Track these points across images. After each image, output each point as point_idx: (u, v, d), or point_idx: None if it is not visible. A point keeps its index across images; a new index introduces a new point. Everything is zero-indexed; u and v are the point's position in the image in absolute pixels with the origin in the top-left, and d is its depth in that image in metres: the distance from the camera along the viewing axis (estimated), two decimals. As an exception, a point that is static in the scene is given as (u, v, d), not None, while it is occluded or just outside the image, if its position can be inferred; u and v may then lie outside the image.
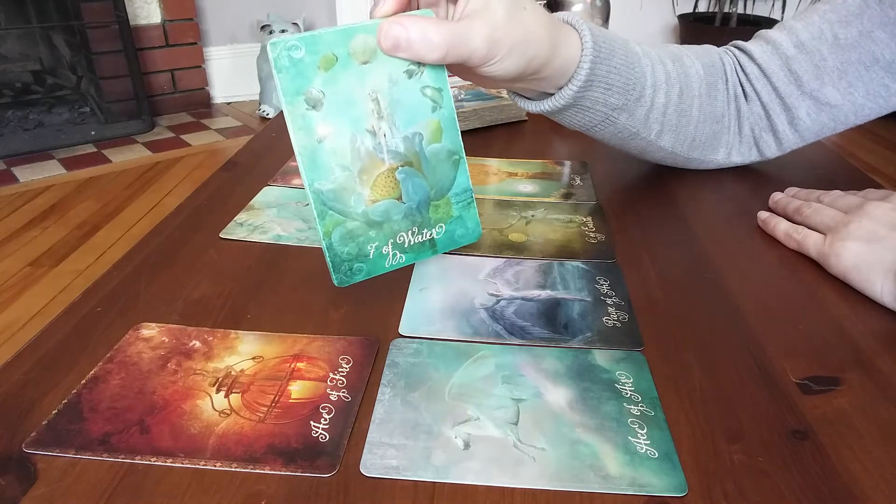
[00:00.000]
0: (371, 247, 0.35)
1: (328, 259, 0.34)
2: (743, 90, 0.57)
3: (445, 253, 0.42)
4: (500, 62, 0.38)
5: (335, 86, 0.33)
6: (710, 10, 2.71)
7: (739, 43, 0.59)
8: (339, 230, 0.34)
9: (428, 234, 0.37)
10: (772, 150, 0.59)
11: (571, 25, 0.45)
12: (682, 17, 2.72)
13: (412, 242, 0.36)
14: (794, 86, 0.55)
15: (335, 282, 0.34)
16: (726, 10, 2.58)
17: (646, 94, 0.50)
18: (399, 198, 0.35)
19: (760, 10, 2.73)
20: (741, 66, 0.57)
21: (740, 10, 2.60)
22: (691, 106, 0.54)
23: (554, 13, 0.45)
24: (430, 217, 0.36)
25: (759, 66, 0.56)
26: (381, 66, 0.34)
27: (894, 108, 0.55)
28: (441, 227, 0.37)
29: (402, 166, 0.35)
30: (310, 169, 0.33)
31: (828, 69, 0.54)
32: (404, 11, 0.36)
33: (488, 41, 0.36)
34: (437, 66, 0.35)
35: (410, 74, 0.35)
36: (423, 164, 0.36)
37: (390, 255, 0.36)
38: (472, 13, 0.36)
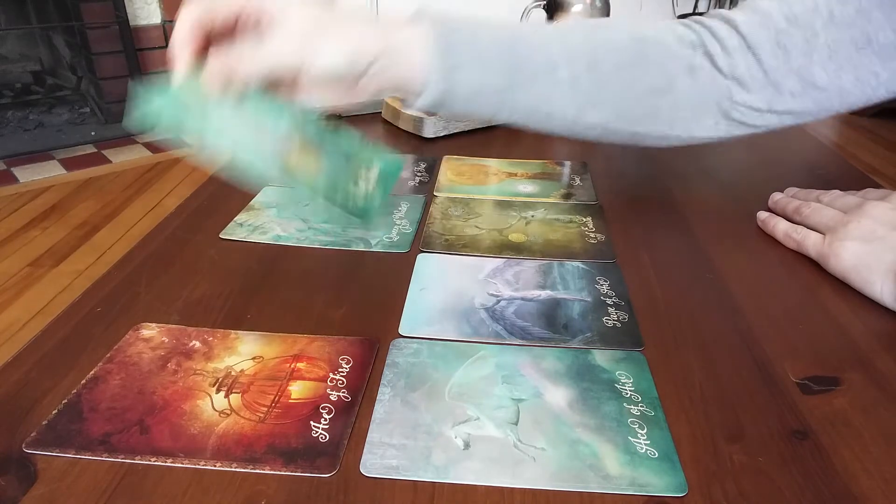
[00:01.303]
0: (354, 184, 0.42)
1: (356, 209, 0.41)
2: (712, 61, 0.51)
3: (446, 253, 0.46)
4: (316, 59, 0.40)
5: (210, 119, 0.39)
6: (710, 10, 2.71)
7: (721, 11, 0.53)
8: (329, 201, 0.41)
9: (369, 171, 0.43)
10: (743, 128, 0.54)
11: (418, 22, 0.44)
12: (681, 18, 2.72)
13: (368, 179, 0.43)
14: (782, 60, 0.50)
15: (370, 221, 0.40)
16: (726, 9, 2.58)
17: (539, 74, 0.47)
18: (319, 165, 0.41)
19: (760, 11, 2.73)
20: (715, 37, 0.51)
21: (740, 10, 2.61)
22: (609, 78, 0.50)
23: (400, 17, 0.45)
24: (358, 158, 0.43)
25: (743, 37, 0.50)
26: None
27: (878, 99, 0.52)
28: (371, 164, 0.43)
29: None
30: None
31: (818, 46, 0.50)
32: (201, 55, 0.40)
33: (296, 44, 0.39)
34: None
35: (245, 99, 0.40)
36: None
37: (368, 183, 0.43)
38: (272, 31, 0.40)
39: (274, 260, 0.47)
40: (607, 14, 0.92)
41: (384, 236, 0.50)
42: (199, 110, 0.39)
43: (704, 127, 0.53)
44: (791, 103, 0.51)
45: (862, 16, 0.49)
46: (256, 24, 0.41)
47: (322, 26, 0.41)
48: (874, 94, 0.50)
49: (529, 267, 0.46)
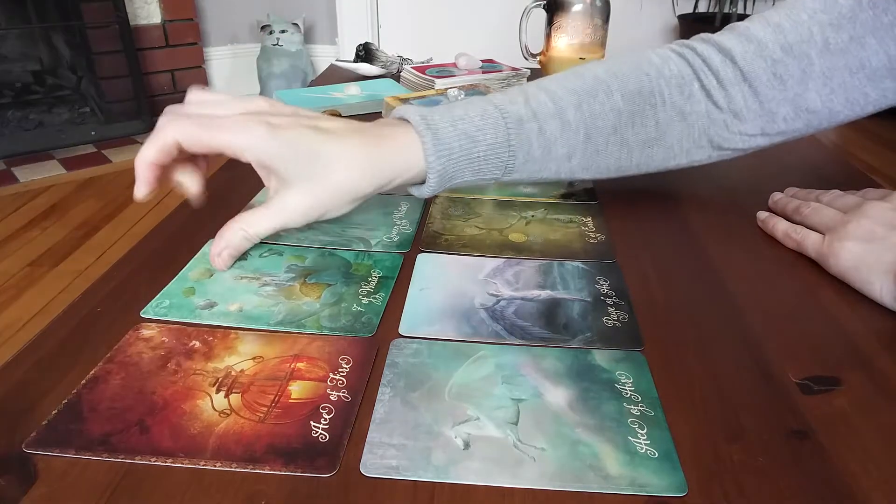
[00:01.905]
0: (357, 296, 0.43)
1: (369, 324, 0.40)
2: (708, 95, 0.51)
3: (446, 253, 0.46)
4: (328, 215, 0.44)
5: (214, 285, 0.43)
6: (710, 10, 2.71)
7: (710, 37, 0.52)
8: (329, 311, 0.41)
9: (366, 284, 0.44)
10: (735, 153, 0.54)
11: (420, 140, 0.44)
12: (682, 18, 2.72)
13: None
14: (778, 90, 0.51)
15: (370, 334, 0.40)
16: (726, 10, 2.58)
17: (533, 156, 0.48)
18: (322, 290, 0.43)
19: (760, 10, 2.73)
20: (710, 68, 0.51)
21: (740, 10, 2.61)
22: (606, 143, 0.50)
23: (399, 108, 0.46)
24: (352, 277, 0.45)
25: (740, 69, 0.50)
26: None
27: (865, 115, 0.51)
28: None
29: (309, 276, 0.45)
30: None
31: (814, 74, 0.50)
32: (156, 179, 0.43)
33: (302, 217, 0.43)
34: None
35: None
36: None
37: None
38: (276, 194, 0.43)
39: (274, 260, 0.47)
40: (607, 14, 0.92)
41: (384, 236, 0.50)
42: (203, 288, 0.43)
43: (696, 160, 0.54)
44: (783, 126, 0.52)
45: (856, 42, 0.49)
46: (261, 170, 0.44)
47: (337, 188, 0.43)
48: (862, 111, 0.51)
49: (529, 267, 0.46)
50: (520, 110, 0.47)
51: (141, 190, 0.43)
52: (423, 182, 0.45)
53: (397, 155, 0.44)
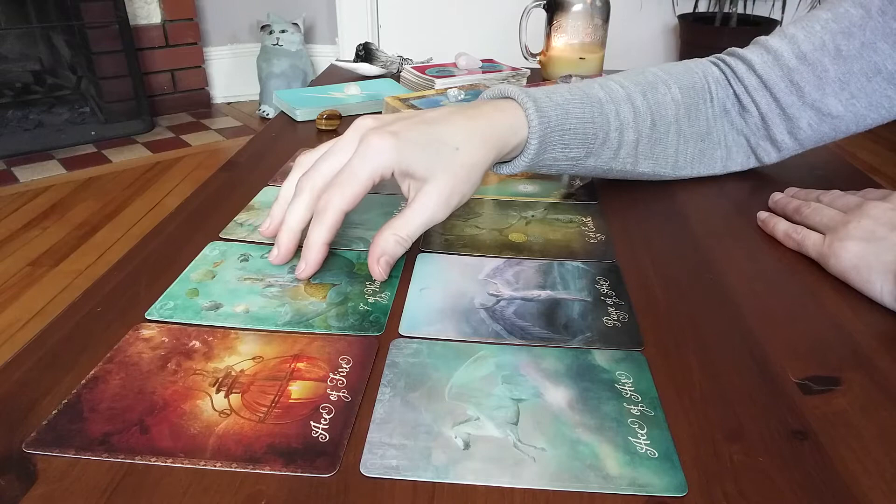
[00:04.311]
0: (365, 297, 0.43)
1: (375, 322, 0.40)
2: (738, 101, 0.57)
3: (446, 253, 0.47)
4: (465, 197, 0.45)
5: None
6: (710, 10, 2.71)
7: (737, 51, 0.59)
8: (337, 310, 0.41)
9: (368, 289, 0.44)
10: (770, 157, 0.59)
11: (517, 102, 0.48)
12: (682, 17, 2.72)
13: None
14: (796, 96, 0.55)
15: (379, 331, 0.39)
16: (726, 10, 2.57)
17: (611, 138, 0.52)
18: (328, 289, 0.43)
19: (760, 11, 2.72)
20: (738, 77, 0.57)
21: (740, 10, 2.60)
22: (667, 133, 0.55)
23: (494, 87, 0.50)
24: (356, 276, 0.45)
25: (759, 76, 0.56)
26: None
27: (894, 118, 0.55)
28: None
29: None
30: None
31: (830, 80, 0.54)
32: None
33: (445, 206, 0.43)
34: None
35: None
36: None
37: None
38: (419, 192, 0.43)
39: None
40: (607, 14, 0.92)
41: (384, 236, 0.50)
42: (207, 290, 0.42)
43: (737, 163, 0.60)
44: (809, 132, 0.57)
45: (868, 48, 0.52)
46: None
47: (458, 175, 0.43)
48: (889, 114, 0.56)
49: (529, 267, 0.46)
50: (598, 93, 0.52)
51: (313, 272, 0.44)
52: (519, 154, 0.49)
53: (504, 122, 0.47)
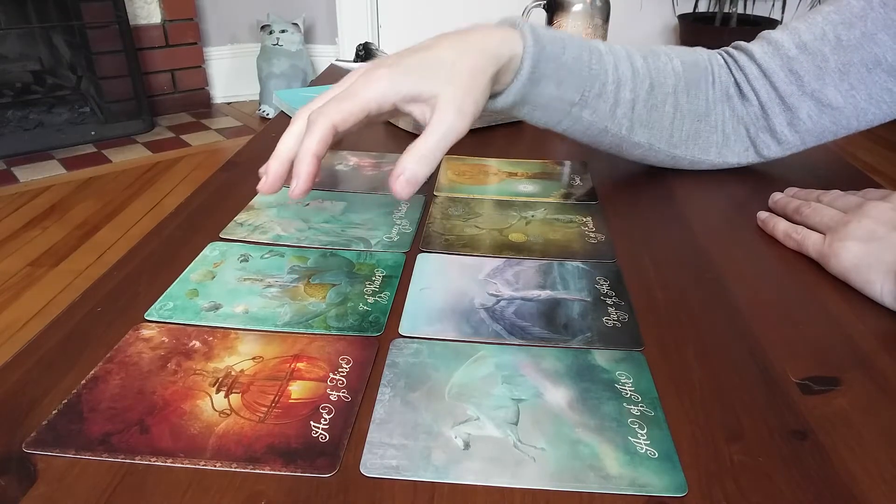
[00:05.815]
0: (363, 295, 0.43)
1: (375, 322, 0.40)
2: (739, 89, 0.57)
3: (446, 253, 0.47)
4: (480, 104, 0.44)
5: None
6: (710, 10, 2.71)
7: (741, 43, 0.59)
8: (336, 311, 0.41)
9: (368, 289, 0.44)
10: (770, 151, 0.59)
11: (515, 28, 0.48)
12: (682, 17, 2.72)
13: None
14: (795, 86, 0.55)
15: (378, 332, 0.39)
16: (726, 10, 2.57)
17: (607, 90, 0.52)
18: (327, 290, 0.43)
19: (760, 10, 2.72)
20: (739, 66, 0.57)
21: (740, 10, 2.60)
22: (664, 102, 0.55)
23: (501, 18, 0.50)
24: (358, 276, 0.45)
25: (759, 65, 0.56)
26: None
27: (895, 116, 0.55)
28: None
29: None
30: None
31: (829, 70, 0.54)
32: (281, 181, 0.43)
33: (460, 115, 0.42)
34: None
35: None
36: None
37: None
38: (435, 115, 0.42)
39: (274, 260, 0.47)
40: (607, 14, 0.92)
41: (384, 236, 0.50)
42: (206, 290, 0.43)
43: (735, 153, 0.60)
44: (809, 124, 0.57)
45: (868, 39, 0.53)
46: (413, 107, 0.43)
47: (467, 85, 0.43)
48: (890, 110, 0.55)
49: (529, 267, 0.46)
50: (598, 45, 0.53)
51: (305, 187, 0.42)
52: (512, 81, 0.48)
53: (497, 37, 0.47)
